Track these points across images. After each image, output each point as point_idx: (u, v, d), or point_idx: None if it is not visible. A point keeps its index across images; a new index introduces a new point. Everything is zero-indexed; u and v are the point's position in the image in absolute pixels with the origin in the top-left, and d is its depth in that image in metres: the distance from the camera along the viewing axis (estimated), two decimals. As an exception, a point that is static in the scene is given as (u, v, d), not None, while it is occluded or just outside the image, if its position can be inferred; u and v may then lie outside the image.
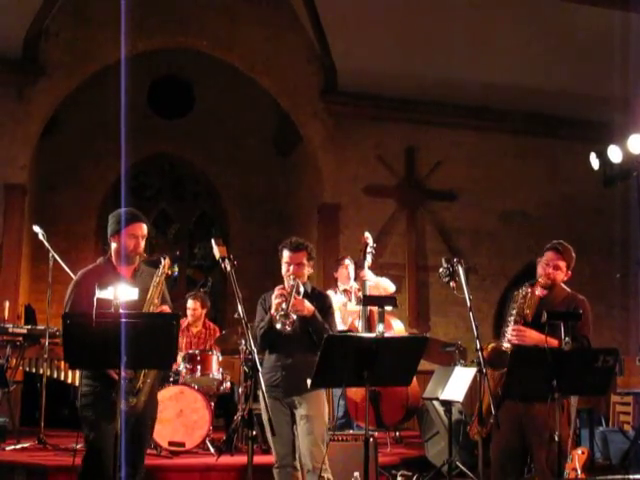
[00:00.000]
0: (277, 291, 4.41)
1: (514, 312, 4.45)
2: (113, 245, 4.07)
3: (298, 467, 4.37)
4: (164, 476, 5.58)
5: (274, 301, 4.36)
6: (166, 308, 4.15)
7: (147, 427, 4.12)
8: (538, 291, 4.51)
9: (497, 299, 9.49)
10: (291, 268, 4.46)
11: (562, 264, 4.51)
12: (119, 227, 4.03)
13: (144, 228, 4.09)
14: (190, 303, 7.21)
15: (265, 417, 3.92)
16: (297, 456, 4.38)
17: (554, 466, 4.05)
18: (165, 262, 4.18)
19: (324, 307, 4.54)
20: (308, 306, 4.39)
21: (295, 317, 4.29)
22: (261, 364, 3.91)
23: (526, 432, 4.43)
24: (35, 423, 6.58)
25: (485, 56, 8.95)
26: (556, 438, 3.94)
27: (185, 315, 7.25)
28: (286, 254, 4.51)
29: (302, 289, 4.45)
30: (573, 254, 4.58)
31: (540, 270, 4.52)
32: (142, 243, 4.06)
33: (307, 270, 4.55)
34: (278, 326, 4.27)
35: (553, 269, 4.48)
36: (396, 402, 6.53)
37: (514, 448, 4.43)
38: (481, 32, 8.75)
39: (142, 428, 4.01)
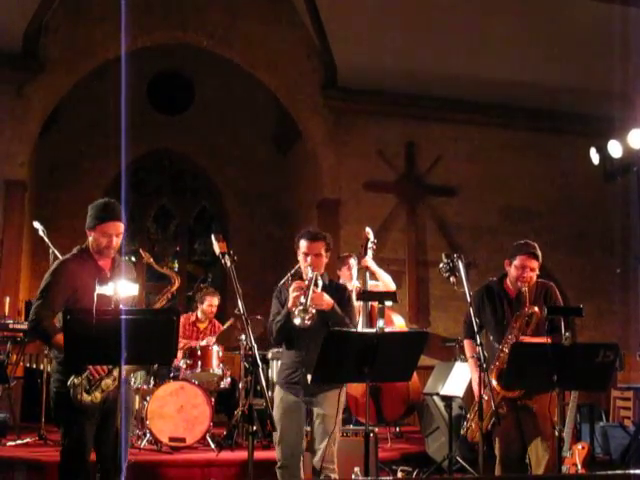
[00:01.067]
0: (295, 284, 4.21)
1: (511, 336, 4.46)
2: (90, 238, 4.02)
3: (301, 467, 4.27)
4: (165, 471, 5.59)
5: (292, 295, 4.15)
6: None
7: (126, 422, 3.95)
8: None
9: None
10: (309, 259, 4.27)
11: (536, 265, 4.62)
12: (94, 223, 3.99)
13: (119, 227, 3.99)
14: (214, 300, 7.16)
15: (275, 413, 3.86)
16: (302, 457, 4.27)
17: (555, 458, 4.09)
18: (175, 283, 4.39)
19: (343, 299, 4.33)
20: (327, 300, 4.18)
21: (314, 311, 4.06)
22: (275, 358, 3.85)
23: (525, 427, 4.45)
24: (36, 419, 6.59)
25: (485, 51, 8.94)
26: (556, 433, 3.96)
27: (185, 312, 7.24)
28: (304, 244, 4.31)
29: (320, 282, 4.25)
30: (539, 251, 4.66)
31: (516, 274, 4.58)
32: (117, 241, 3.98)
33: (324, 261, 4.35)
34: (297, 321, 4.04)
35: (530, 272, 4.57)
36: (396, 397, 6.53)
37: (516, 443, 4.46)
38: (481, 27, 8.74)
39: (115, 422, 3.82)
